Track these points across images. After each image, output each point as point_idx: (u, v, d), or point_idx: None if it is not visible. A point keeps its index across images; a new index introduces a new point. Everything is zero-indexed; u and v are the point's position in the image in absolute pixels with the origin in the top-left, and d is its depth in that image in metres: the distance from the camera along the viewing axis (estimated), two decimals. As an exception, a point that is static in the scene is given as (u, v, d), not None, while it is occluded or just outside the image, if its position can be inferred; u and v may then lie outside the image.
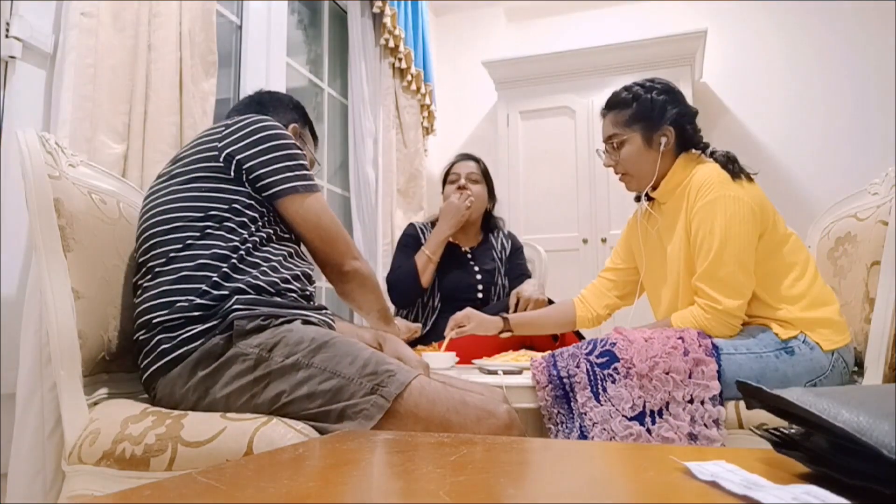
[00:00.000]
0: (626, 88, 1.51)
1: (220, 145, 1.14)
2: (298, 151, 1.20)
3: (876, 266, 1.31)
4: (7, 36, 1.28)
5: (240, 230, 1.11)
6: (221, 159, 1.13)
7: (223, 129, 1.17)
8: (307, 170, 1.20)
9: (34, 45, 1.33)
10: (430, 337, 1.99)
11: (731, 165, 1.39)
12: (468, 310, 1.67)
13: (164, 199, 1.14)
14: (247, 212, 1.13)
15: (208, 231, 1.10)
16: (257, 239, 1.13)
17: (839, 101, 3.17)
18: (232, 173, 1.13)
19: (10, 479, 1.14)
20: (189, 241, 1.09)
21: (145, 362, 1.07)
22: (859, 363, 1.35)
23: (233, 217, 1.12)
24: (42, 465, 1.14)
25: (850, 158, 3.09)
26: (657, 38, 3.09)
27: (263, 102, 1.39)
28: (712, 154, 1.47)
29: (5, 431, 1.19)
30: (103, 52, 1.41)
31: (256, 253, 1.12)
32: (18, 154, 1.02)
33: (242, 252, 1.10)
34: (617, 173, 1.54)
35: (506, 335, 1.68)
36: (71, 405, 1.01)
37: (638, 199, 1.61)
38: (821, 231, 1.64)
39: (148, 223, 1.14)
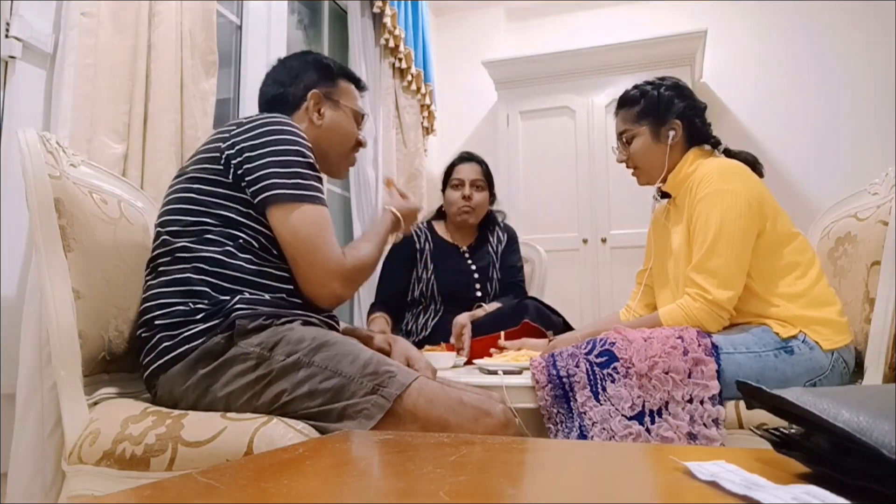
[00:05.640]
0: (636, 87, 1.57)
1: (223, 146, 1.12)
2: (297, 158, 1.11)
3: (876, 266, 1.31)
4: (7, 36, 1.28)
5: (238, 234, 1.09)
6: (222, 162, 1.11)
7: (234, 128, 1.14)
8: (305, 178, 1.10)
9: (34, 45, 1.33)
10: (433, 338, 1.99)
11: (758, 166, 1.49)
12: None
13: (172, 197, 1.14)
14: (243, 219, 1.09)
15: (207, 236, 1.08)
16: (257, 245, 1.10)
17: (839, 101, 3.17)
18: (231, 177, 1.10)
19: (10, 479, 1.13)
20: (187, 244, 1.08)
21: (147, 359, 1.07)
22: (859, 363, 1.34)
23: (231, 221, 1.09)
24: (42, 465, 1.14)
25: (850, 158, 3.09)
26: (657, 38, 3.10)
27: (279, 79, 1.29)
28: (737, 155, 1.51)
29: (5, 431, 1.19)
30: (103, 52, 1.41)
31: (258, 259, 1.10)
32: (19, 154, 1.02)
33: (242, 259, 1.08)
34: (629, 167, 1.59)
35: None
36: (71, 405, 1.01)
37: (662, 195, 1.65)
38: (821, 231, 1.64)
39: (160, 220, 1.14)
